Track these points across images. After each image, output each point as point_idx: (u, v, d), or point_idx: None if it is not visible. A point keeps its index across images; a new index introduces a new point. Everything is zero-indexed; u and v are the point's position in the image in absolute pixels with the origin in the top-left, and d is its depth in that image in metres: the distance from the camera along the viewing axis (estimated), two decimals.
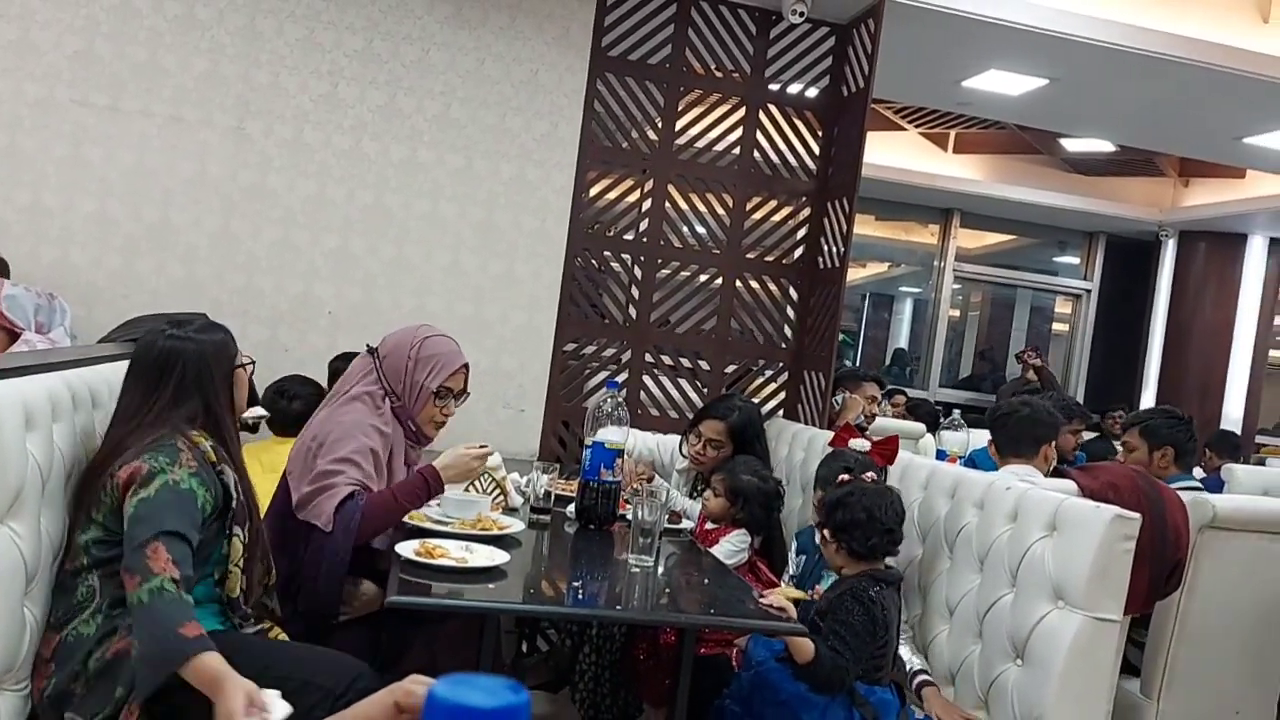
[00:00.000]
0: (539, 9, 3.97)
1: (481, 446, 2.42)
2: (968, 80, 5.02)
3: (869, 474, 2.54)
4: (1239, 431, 7.93)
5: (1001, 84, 5.02)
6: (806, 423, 4.01)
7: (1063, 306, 9.74)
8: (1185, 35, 4.36)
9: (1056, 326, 9.98)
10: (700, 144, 4.19)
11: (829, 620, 2.23)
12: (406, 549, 2.05)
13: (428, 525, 2.34)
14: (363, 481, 2.27)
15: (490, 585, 2.01)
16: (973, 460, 3.90)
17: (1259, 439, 9.08)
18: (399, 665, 2.07)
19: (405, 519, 2.33)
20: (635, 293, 4.18)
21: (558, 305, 4.05)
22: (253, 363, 2.16)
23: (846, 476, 2.46)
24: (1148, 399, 8.80)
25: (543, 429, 4.03)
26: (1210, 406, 8.45)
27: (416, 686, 0.54)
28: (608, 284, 4.24)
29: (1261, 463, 7.74)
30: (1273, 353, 9.09)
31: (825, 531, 2.38)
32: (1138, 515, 2.31)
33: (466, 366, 2.56)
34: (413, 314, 3.86)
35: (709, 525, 2.89)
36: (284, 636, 2.02)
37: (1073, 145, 7.22)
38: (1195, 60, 4.39)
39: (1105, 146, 7.04)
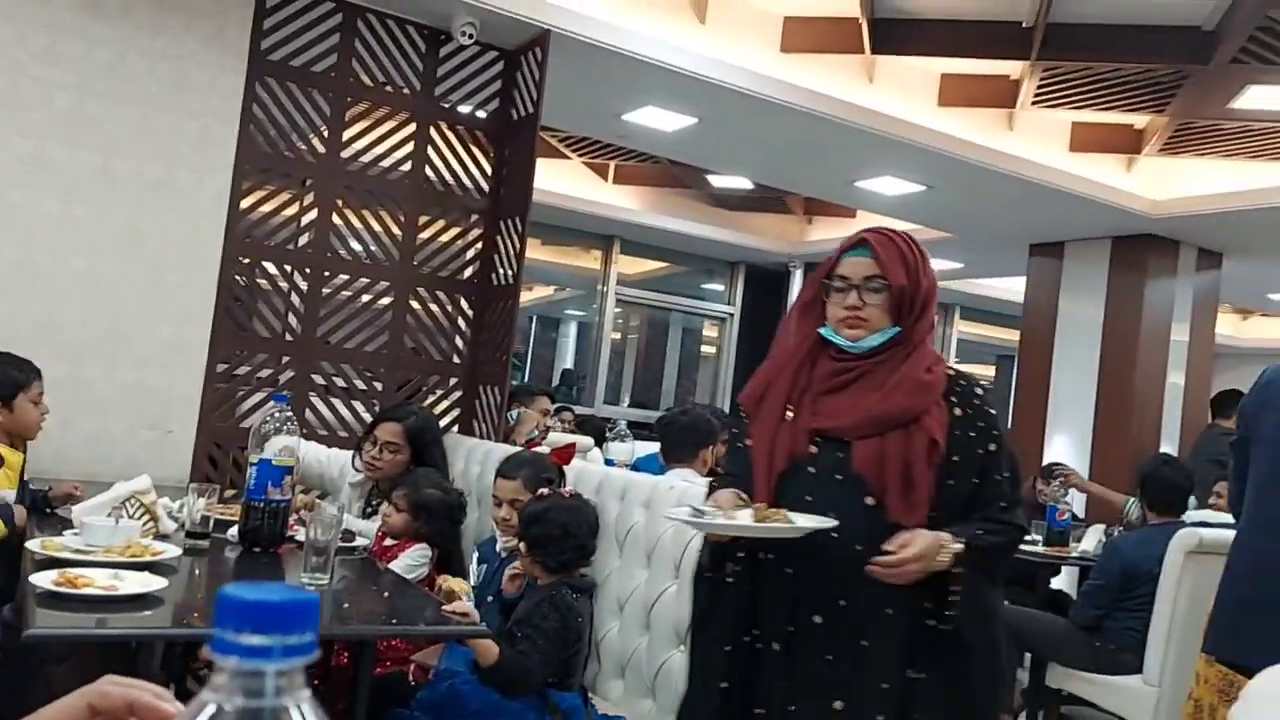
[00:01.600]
0: (189, 5, 3.71)
1: None
2: (627, 114, 5.34)
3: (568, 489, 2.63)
4: None
5: (657, 120, 5.40)
6: (482, 437, 4.05)
7: (710, 330, 10.56)
8: (807, 88, 4.94)
9: (705, 348, 10.80)
10: (369, 157, 4.12)
11: (523, 625, 2.28)
12: (44, 579, 1.83)
13: (67, 555, 2.10)
14: None
15: (146, 613, 1.85)
16: (637, 467, 4.14)
17: None
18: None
19: (38, 550, 2.09)
20: (300, 305, 4.01)
21: (212, 318, 3.79)
22: None
23: (546, 491, 2.53)
24: None
25: (194, 450, 3.74)
26: None
27: (111, 687, 0.50)
28: (270, 298, 4.03)
29: None
30: None
31: (522, 545, 2.44)
32: None
33: None
34: (39, 325, 3.44)
35: (388, 541, 2.84)
36: None
37: (718, 181, 7.89)
38: (814, 110, 4.99)
39: (745, 184, 7.77)
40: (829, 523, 1.68)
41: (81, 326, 3.55)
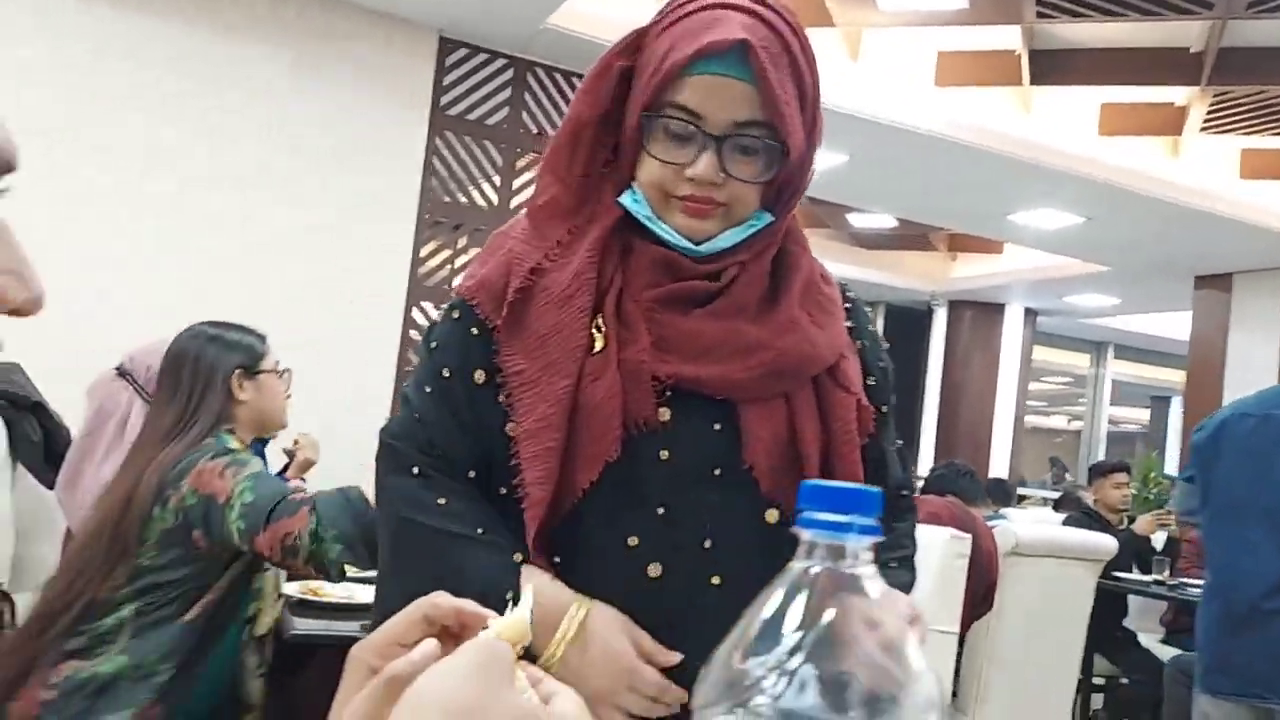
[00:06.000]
0: (378, 64, 4.00)
1: None
2: None
3: None
4: None
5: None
6: None
7: None
8: (963, 121, 4.93)
9: None
10: None
11: None
12: (293, 589, 2.00)
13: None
14: None
15: None
16: None
17: (1020, 490, 10.05)
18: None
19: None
20: None
21: (395, 365, 4.02)
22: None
23: None
24: (925, 453, 9.57)
25: None
26: (980, 460, 9.29)
27: (441, 598, 0.51)
28: None
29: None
30: (1027, 417, 10.11)
31: None
32: (969, 535, 2.57)
33: None
34: None
35: None
36: None
37: (858, 220, 7.89)
38: (971, 143, 4.97)
39: (888, 222, 7.74)
40: (672, 657, 0.93)
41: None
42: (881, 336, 1.13)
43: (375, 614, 1.03)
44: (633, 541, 0.95)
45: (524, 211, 1.04)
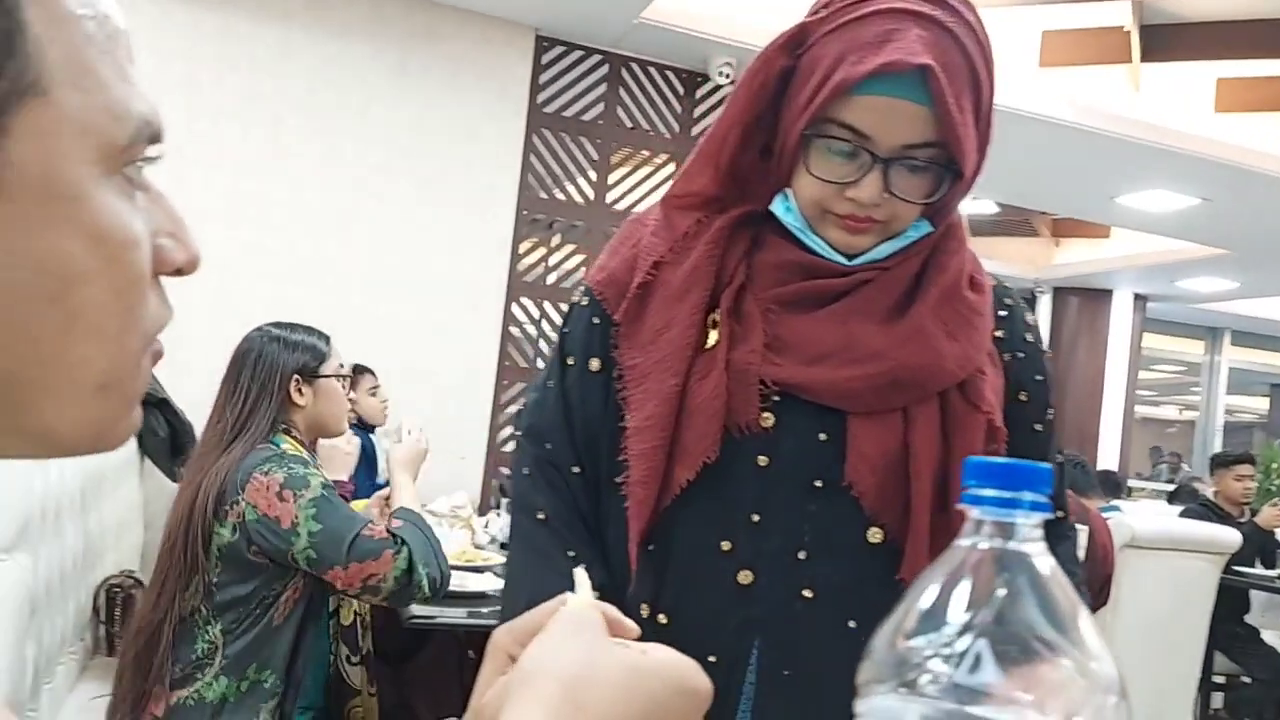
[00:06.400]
0: (477, 64, 4.07)
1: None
2: None
3: None
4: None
5: None
6: None
7: None
8: (1069, 100, 4.77)
9: None
10: (633, 199, 4.34)
11: None
12: None
13: None
14: None
15: (496, 607, 2.03)
16: None
17: (1130, 483, 9.69)
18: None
19: None
20: None
21: (497, 355, 4.09)
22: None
23: None
24: None
25: (484, 475, 4.04)
26: (1088, 452, 8.98)
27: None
28: (548, 335, 4.31)
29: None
30: (1137, 407, 9.74)
31: None
32: (1085, 527, 2.50)
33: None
34: (351, 360, 3.84)
35: None
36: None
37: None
38: (1077, 123, 4.80)
39: (989, 207, 7.54)
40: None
41: (386, 361, 3.92)
42: (1048, 357, 1.04)
43: (502, 599, 1.06)
44: (725, 546, 0.93)
45: (659, 200, 1.03)
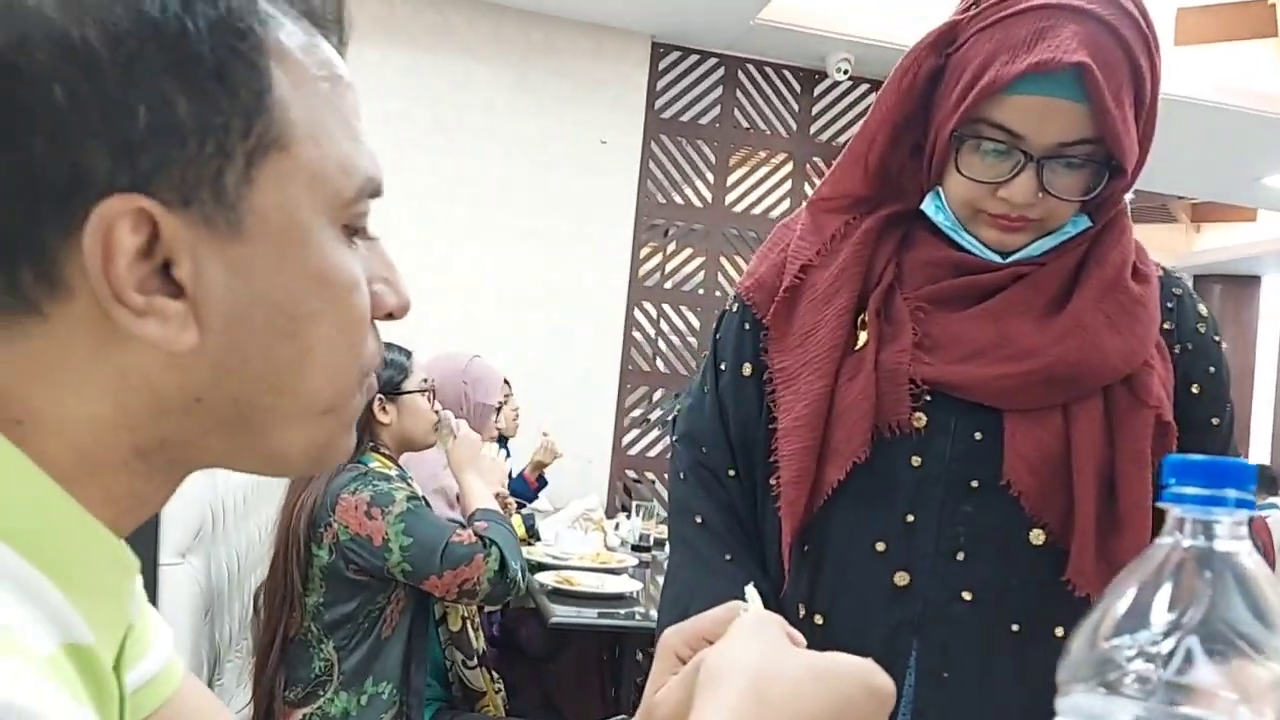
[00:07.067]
0: (595, 75, 4.13)
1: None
2: None
3: None
4: None
5: None
6: None
7: None
8: (1209, 79, 4.54)
9: None
10: (751, 199, 4.34)
11: None
12: (547, 579, 2.11)
13: (547, 560, 2.40)
14: None
15: (633, 608, 2.06)
16: None
17: None
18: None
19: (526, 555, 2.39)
20: (697, 346, 4.28)
21: (620, 359, 4.14)
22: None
23: None
24: None
25: (609, 479, 4.09)
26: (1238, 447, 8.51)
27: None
28: (668, 338, 4.34)
29: None
30: None
31: None
32: None
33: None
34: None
35: None
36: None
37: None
38: (1219, 102, 4.56)
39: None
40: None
41: (512, 370, 4.02)
42: (1221, 348, 0.99)
43: (661, 601, 1.07)
44: (880, 547, 0.92)
45: (805, 204, 1.05)
